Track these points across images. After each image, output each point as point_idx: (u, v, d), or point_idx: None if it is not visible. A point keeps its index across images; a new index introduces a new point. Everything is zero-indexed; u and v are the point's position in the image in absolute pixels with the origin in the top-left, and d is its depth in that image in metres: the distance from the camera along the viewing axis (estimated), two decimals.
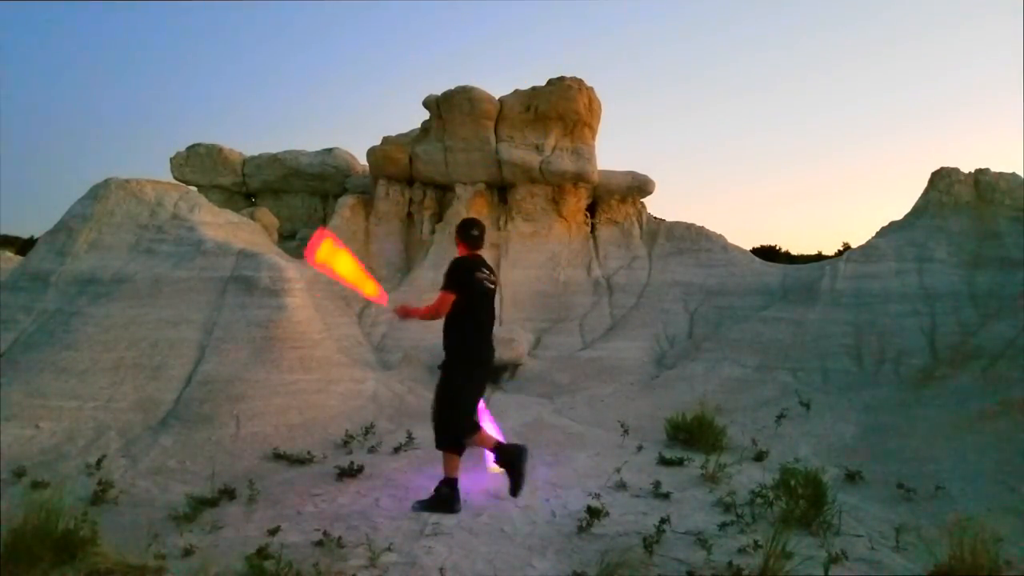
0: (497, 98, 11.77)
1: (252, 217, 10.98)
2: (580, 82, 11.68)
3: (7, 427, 4.92)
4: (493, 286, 3.85)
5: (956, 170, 9.53)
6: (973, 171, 9.42)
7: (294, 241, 12.98)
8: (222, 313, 6.56)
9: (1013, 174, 9.15)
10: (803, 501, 3.38)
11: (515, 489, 3.56)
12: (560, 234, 12.12)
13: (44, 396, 5.41)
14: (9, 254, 13.41)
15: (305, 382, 6.11)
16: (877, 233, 10.05)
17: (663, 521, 3.18)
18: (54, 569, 2.67)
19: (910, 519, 3.72)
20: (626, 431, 5.54)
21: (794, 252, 19.32)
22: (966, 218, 9.13)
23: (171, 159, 14.20)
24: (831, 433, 5.91)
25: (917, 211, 9.78)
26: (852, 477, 4.61)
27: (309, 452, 4.90)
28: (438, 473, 4.20)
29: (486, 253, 4.19)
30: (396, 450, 5.02)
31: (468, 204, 11.69)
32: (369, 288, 3.81)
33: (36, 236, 18.52)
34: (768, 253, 17.14)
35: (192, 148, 14.18)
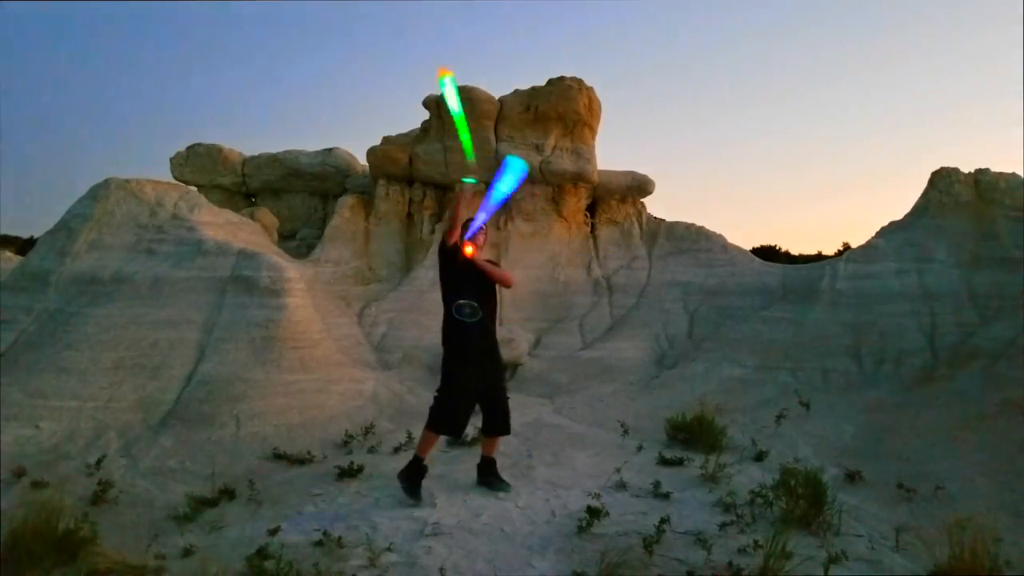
0: (497, 98, 11.77)
1: (252, 217, 10.98)
2: (580, 82, 11.67)
3: (7, 427, 4.92)
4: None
5: (956, 170, 9.52)
6: (973, 171, 9.40)
7: (294, 241, 12.98)
8: (222, 313, 6.57)
9: (1013, 174, 9.14)
10: (803, 501, 3.38)
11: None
12: (560, 234, 12.12)
13: (44, 396, 5.41)
14: (9, 254, 13.41)
15: (305, 382, 6.11)
16: (877, 233, 10.04)
17: (663, 521, 3.18)
18: (54, 569, 2.68)
19: (910, 519, 3.72)
20: (626, 431, 5.54)
21: (794, 252, 19.34)
22: (966, 218, 9.13)
23: (171, 159, 14.19)
24: (831, 433, 5.91)
25: (917, 211, 9.77)
26: (852, 477, 4.61)
27: (309, 452, 4.90)
28: (438, 473, 4.21)
29: (486, 252, 4.27)
30: (396, 450, 5.02)
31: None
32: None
33: (36, 236, 18.53)
34: (768, 253, 17.15)
35: (192, 148, 14.16)
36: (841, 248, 15.78)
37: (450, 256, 3.83)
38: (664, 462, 4.68)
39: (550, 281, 11.55)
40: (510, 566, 2.89)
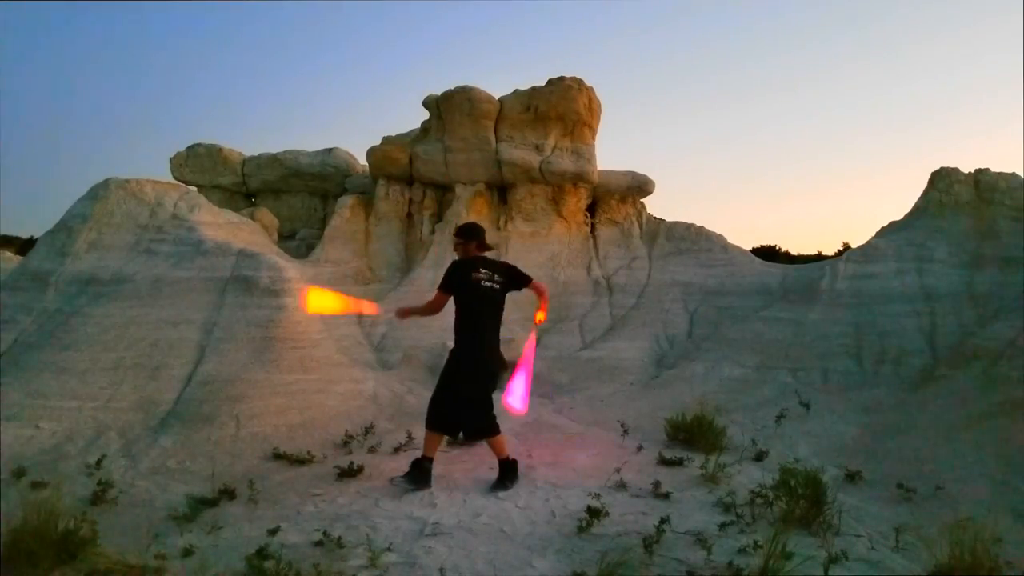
0: (497, 98, 11.78)
1: (252, 217, 10.98)
2: (580, 82, 11.68)
3: (7, 427, 4.92)
4: (495, 285, 3.95)
5: (956, 170, 9.53)
6: (973, 171, 9.41)
7: (294, 241, 12.99)
8: (222, 313, 6.56)
9: (1013, 174, 9.14)
10: (803, 501, 3.38)
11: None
12: (560, 234, 12.12)
13: (44, 396, 5.41)
14: (9, 254, 13.41)
15: (305, 382, 6.11)
16: (877, 233, 10.04)
17: (663, 521, 3.18)
18: (54, 569, 2.68)
19: (910, 519, 3.72)
20: (626, 431, 5.53)
21: (794, 252, 19.36)
22: (966, 218, 9.13)
23: (171, 159, 14.20)
24: (831, 433, 5.91)
25: (917, 211, 9.77)
26: (852, 477, 4.61)
27: (309, 452, 4.90)
28: (438, 473, 4.21)
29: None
30: (396, 450, 5.02)
31: (468, 204, 11.69)
32: (365, 307, 4.00)
33: (36, 236, 18.52)
34: (768, 253, 17.16)
35: (192, 148, 14.17)
36: (841, 248, 15.79)
37: (464, 282, 4.01)
38: (664, 462, 4.67)
39: (550, 281, 11.55)
40: (510, 566, 2.89)
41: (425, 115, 12.27)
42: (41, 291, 6.73)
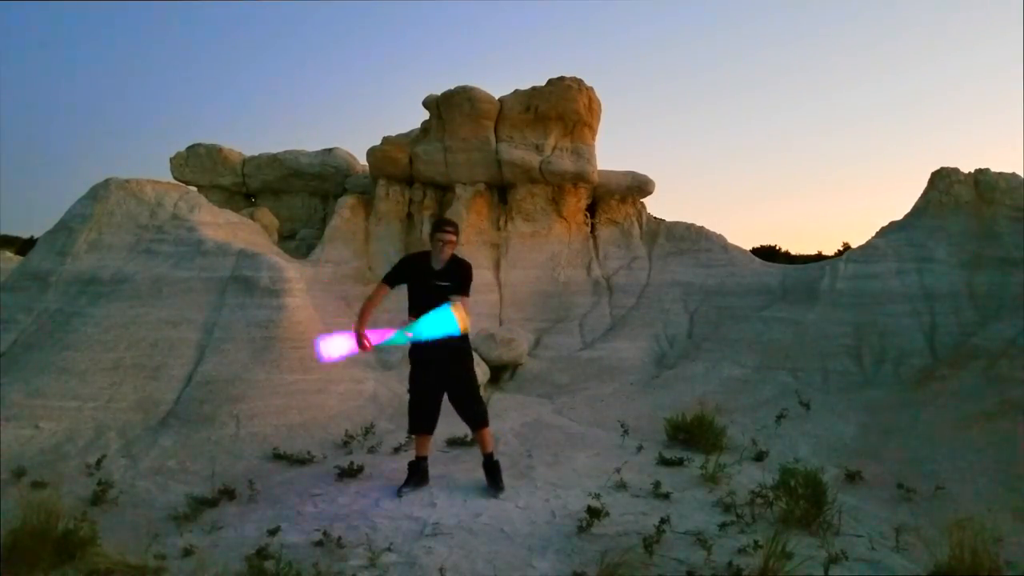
0: (497, 98, 11.77)
1: (252, 217, 10.99)
2: (580, 82, 11.68)
3: (7, 427, 4.92)
4: (434, 280, 3.90)
5: (956, 170, 9.52)
6: (973, 171, 9.40)
7: (294, 241, 12.98)
8: (222, 313, 6.56)
9: (1013, 174, 9.14)
10: (803, 501, 3.38)
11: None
12: (560, 234, 12.12)
13: (44, 396, 5.41)
14: (9, 254, 13.41)
15: (305, 382, 6.11)
16: (877, 233, 10.04)
17: (663, 521, 3.18)
18: (54, 569, 2.68)
19: (910, 519, 3.72)
20: (626, 431, 5.53)
21: (794, 252, 19.35)
22: (966, 218, 9.13)
23: (171, 159, 14.19)
24: (831, 433, 5.91)
25: (917, 211, 9.77)
26: (852, 477, 4.61)
27: (309, 452, 4.90)
28: (437, 473, 4.21)
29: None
30: (396, 450, 5.02)
31: (468, 204, 11.69)
32: (362, 343, 3.83)
33: (36, 236, 18.52)
34: (768, 253, 17.16)
35: (192, 148, 14.17)
36: (841, 248, 15.78)
37: (409, 274, 4.01)
38: (664, 462, 4.67)
39: (550, 281, 11.55)
40: (510, 566, 2.89)
41: (425, 115, 12.27)
42: (41, 291, 6.73)
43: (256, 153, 14.28)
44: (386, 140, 12.39)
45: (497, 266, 11.58)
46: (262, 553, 2.80)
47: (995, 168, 9.29)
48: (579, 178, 11.77)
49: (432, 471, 4.18)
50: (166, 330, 6.31)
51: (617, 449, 5.16)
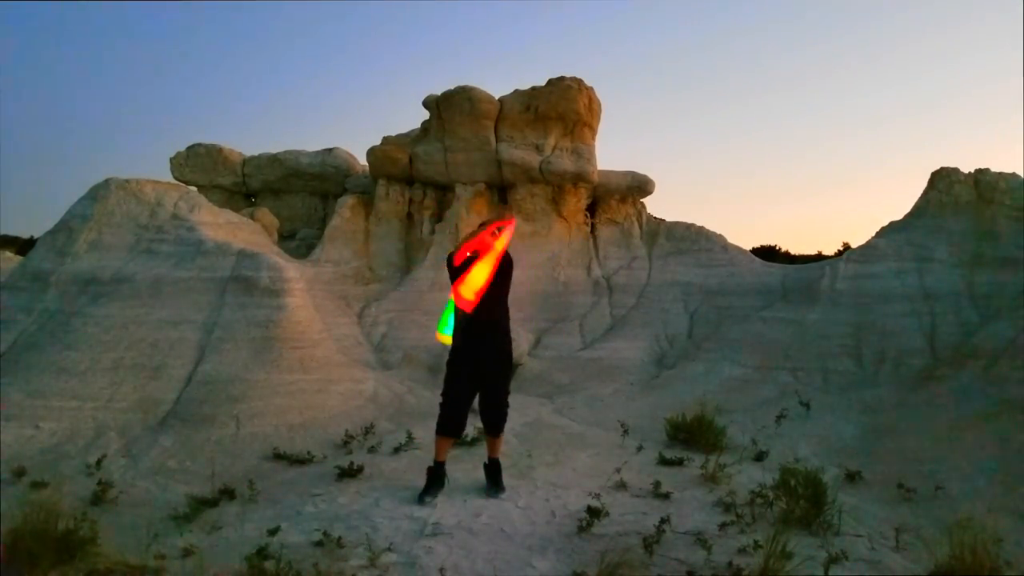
0: (497, 98, 11.77)
1: (252, 217, 10.98)
2: (580, 82, 11.68)
3: (7, 427, 4.92)
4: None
5: (956, 170, 9.52)
6: (973, 171, 9.40)
7: (294, 241, 12.98)
8: (222, 313, 6.57)
9: (1013, 174, 9.14)
10: (803, 501, 3.38)
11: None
12: (560, 234, 12.12)
13: (44, 396, 5.41)
14: (9, 254, 13.41)
15: (305, 382, 6.11)
16: (877, 233, 10.04)
17: (663, 521, 3.18)
18: (54, 569, 2.67)
19: (910, 519, 3.72)
20: (626, 431, 5.53)
21: (794, 252, 19.33)
22: (966, 218, 9.12)
23: (171, 159, 14.19)
24: (831, 433, 5.91)
25: (917, 211, 9.77)
26: (852, 477, 4.61)
27: (309, 452, 4.90)
28: None
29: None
30: (396, 450, 5.02)
31: (468, 204, 11.69)
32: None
33: (36, 236, 18.52)
34: (768, 253, 17.14)
35: (192, 148, 14.17)
36: (841, 248, 15.77)
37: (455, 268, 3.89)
38: (664, 462, 4.67)
39: (550, 281, 11.54)
40: (510, 566, 2.89)
41: (425, 115, 12.27)
42: (41, 291, 6.73)
43: (256, 153, 14.29)
44: (386, 140, 12.39)
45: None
46: (262, 553, 2.79)
47: (995, 168, 9.30)
48: (579, 178, 11.77)
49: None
50: (166, 330, 6.31)
51: (617, 449, 5.16)
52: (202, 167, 14.02)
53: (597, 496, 3.62)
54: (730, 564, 2.79)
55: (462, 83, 11.59)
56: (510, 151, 11.58)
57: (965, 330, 7.63)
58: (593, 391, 7.96)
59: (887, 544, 3.22)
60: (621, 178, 12.64)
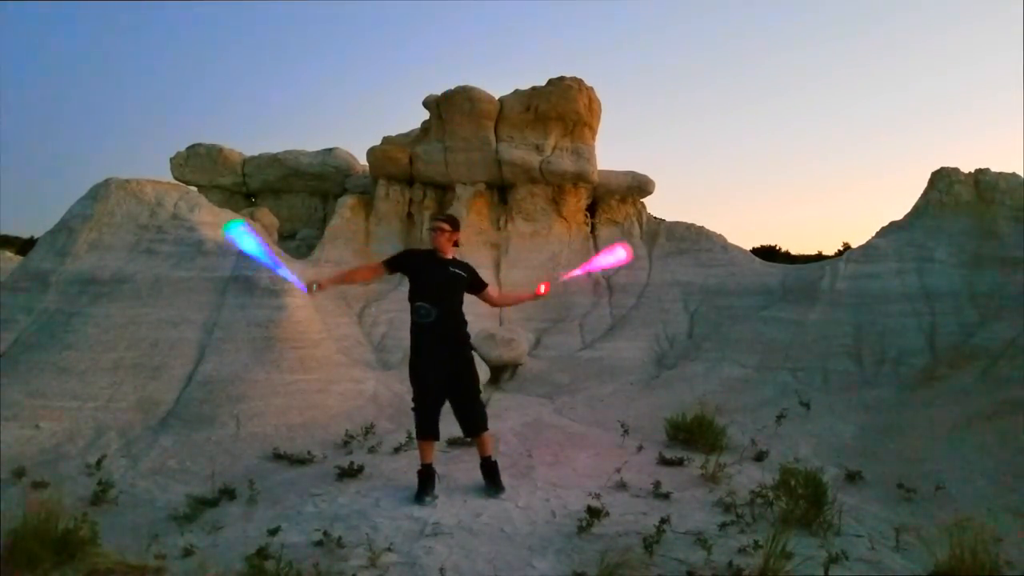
0: (497, 98, 11.78)
1: (252, 217, 10.99)
2: (580, 82, 11.68)
3: (7, 427, 4.92)
4: (448, 267, 3.88)
5: (956, 170, 9.53)
6: (973, 171, 9.41)
7: (294, 241, 12.99)
8: (222, 313, 6.56)
9: (1013, 174, 9.15)
10: (803, 501, 3.37)
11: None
12: (560, 234, 12.12)
13: (44, 396, 5.41)
14: (9, 254, 13.41)
15: (305, 382, 6.11)
16: (877, 233, 10.04)
17: (663, 521, 3.17)
18: (54, 569, 2.67)
19: (910, 519, 3.72)
20: (626, 431, 5.53)
21: (794, 252, 19.34)
22: (966, 218, 9.13)
23: (171, 159, 14.20)
24: (831, 433, 5.91)
25: (917, 211, 9.77)
26: (852, 477, 4.61)
27: (309, 452, 4.89)
28: (437, 473, 4.20)
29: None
30: (396, 450, 5.02)
31: (468, 204, 11.69)
32: (312, 287, 3.74)
33: (36, 236, 18.51)
34: (768, 253, 17.15)
35: (192, 148, 14.17)
36: (841, 248, 15.78)
37: (414, 263, 3.94)
38: (664, 462, 4.67)
39: (550, 281, 11.54)
40: (510, 566, 2.89)
41: (425, 115, 12.27)
42: (41, 291, 6.73)
43: (256, 153, 14.30)
44: (386, 140, 12.39)
45: (497, 266, 11.58)
46: (262, 553, 2.79)
47: (995, 168, 9.31)
48: (579, 178, 11.77)
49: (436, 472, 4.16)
50: (166, 330, 6.31)
51: (617, 449, 5.16)
52: (202, 167, 14.02)
53: (597, 496, 3.62)
54: (730, 564, 2.79)
55: (462, 83, 11.61)
56: (510, 151, 11.58)
57: (965, 330, 7.64)
58: (593, 391, 7.96)
59: (887, 544, 3.22)
60: (621, 178, 12.65)
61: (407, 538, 3.17)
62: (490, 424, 4.07)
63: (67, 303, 6.57)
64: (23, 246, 18.56)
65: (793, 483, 3.48)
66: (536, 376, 8.72)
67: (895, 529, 3.35)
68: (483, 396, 4.19)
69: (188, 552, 3.05)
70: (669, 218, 12.84)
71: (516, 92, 11.81)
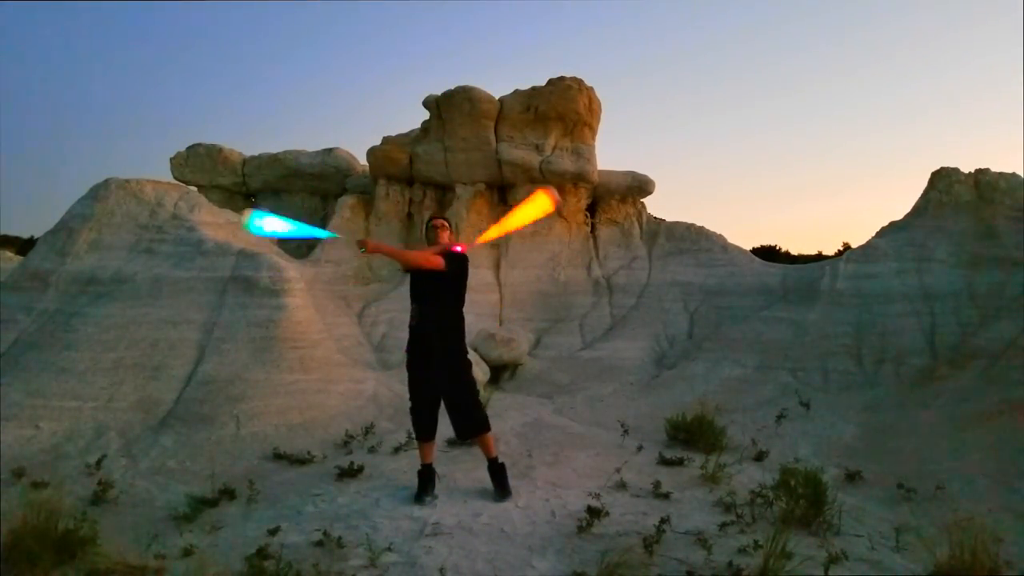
0: (497, 98, 11.77)
1: None
2: (580, 82, 11.68)
3: (7, 427, 4.92)
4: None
5: (956, 170, 9.52)
6: (973, 171, 9.41)
7: (294, 241, 12.98)
8: (222, 313, 6.56)
9: (1013, 174, 9.14)
10: (803, 501, 3.38)
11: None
12: (560, 234, 12.12)
13: (44, 396, 5.41)
14: (9, 254, 13.41)
15: (305, 382, 6.11)
16: (877, 233, 10.04)
17: (663, 521, 3.17)
18: (54, 569, 2.68)
19: (910, 519, 3.72)
20: (626, 431, 5.53)
21: (794, 252, 19.34)
22: (966, 218, 9.13)
23: (171, 159, 14.19)
24: (831, 433, 5.91)
25: (917, 211, 9.77)
26: (852, 477, 4.61)
27: (309, 452, 4.90)
28: (437, 472, 4.20)
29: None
30: (396, 450, 5.02)
31: (468, 204, 11.69)
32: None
33: (36, 236, 18.52)
34: (768, 253, 17.16)
35: (192, 148, 14.17)
36: (841, 248, 15.78)
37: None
38: (664, 462, 4.67)
39: (550, 281, 11.55)
40: (510, 566, 2.89)
41: (425, 115, 12.27)
42: (41, 291, 6.73)
43: (256, 153, 14.29)
44: (386, 140, 12.39)
45: (497, 266, 11.58)
46: (262, 553, 2.79)
47: (995, 168, 9.30)
48: (579, 178, 11.77)
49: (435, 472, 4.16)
50: (166, 330, 6.31)
51: (617, 449, 5.16)
52: (202, 167, 14.02)
53: (597, 496, 3.62)
54: (730, 564, 2.79)
55: (462, 83, 11.60)
56: (510, 151, 11.58)
57: (965, 330, 7.64)
58: (593, 391, 7.96)
59: (887, 544, 3.22)
60: (621, 178, 12.65)
61: (407, 538, 3.17)
62: (491, 424, 4.05)
63: (67, 303, 6.57)
64: (23, 246, 18.57)
65: (793, 483, 3.49)
66: (536, 376, 8.72)
67: (895, 529, 3.35)
68: (483, 396, 4.18)
69: (188, 552, 3.06)
70: (669, 218, 12.85)
71: (516, 92, 11.81)
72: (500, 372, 8.73)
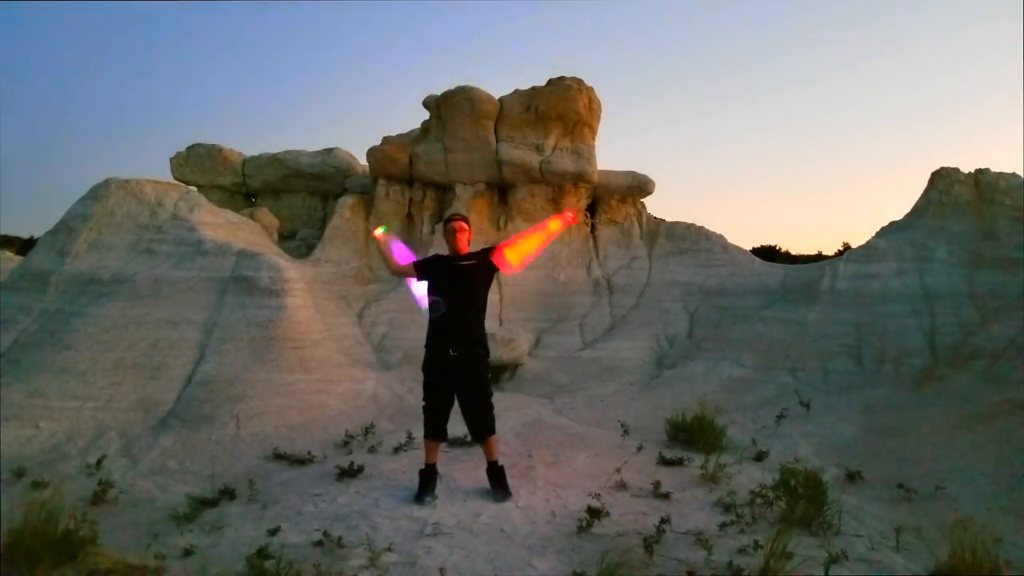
0: (497, 98, 11.77)
1: (252, 217, 10.98)
2: (580, 82, 11.67)
3: (7, 427, 4.92)
4: (459, 262, 3.92)
5: (956, 170, 9.53)
6: (973, 171, 9.41)
7: (294, 241, 12.98)
8: (222, 313, 6.57)
9: (1013, 174, 9.15)
10: (803, 501, 3.37)
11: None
12: (560, 234, 12.11)
13: (44, 396, 5.41)
14: (9, 254, 13.41)
15: (305, 382, 6.11)
16: (877, 233, 10.05)
17: (663, 521, 3.17)
18: (54, 569, 2.67)
19: (910, 519, 3.72)
20: (626, 431, 5.53)
21: (794, 252, 19.34)
22: (966, 218, 9.13)
23: (171, 159, 14.19)
24: (831, 433, 5.91)
25: (917, 211, 9.78)
26: (852, 477, 4.61)
27: (309, 452, 4.90)
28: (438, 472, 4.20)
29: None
30: (396, 450, 5.02)
31: (468, 204, 11.68)
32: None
33: (36, 236, 18.52)
34: (768, 253, 17.15)
35: (192, 148, 14.16)
36: (841, 248, 15.77)
37: (431, 268, 4.02)
38: (664, 462, 4.67)
39: (550, 281, 11.54)
40: (510, 566, 2.89)
41: (425, 115, 12.26)
42: (41, 291, 6.73)
43: (256, 153, 14.29)
44: (386, 140, 12.38)
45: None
46: (262, 553, 2.79)
47: (995, 168, 9.31)
48: (579, 178, 11.77)
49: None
50: (166, 330, 6.31)
51: (617, 449, 5.16)
52: (202, 167, 14.01)
53: (597, 496, 3.62)
54: (730, 564, 2.79)
55: (462, 83, 11.59)
56: (510, 151, 11.58)
57: (965, 330, 7.64)
58: (593, 391, 7.96)
59: (887, 544, 3.22)
60: (621, 178, 12.64)
61: (407, 538, 3.17)
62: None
63: (67, 303, 6.58)
64: (23, 246, 18.56)
65: (793, 483, 3.48)
66: (536, 376, 8.72)
67: (895, 529, 3.35)
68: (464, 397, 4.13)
69: (188, 552, 3.06)
70: (669, 218, 12.85)
71: (516, 92, 11.80)
72: (500, 372, 8.72)
